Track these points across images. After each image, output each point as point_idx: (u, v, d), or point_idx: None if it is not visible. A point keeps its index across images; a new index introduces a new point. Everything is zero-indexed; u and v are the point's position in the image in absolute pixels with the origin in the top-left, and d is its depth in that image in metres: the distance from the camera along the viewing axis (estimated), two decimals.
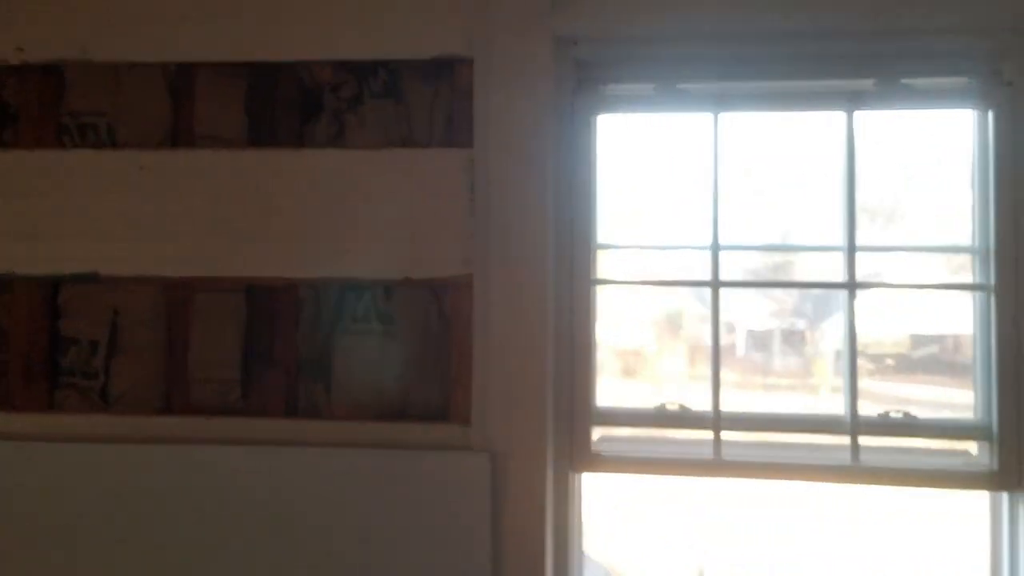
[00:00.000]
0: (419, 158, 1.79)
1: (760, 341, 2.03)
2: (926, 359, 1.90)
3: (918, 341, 1.91)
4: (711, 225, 1.78)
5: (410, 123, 1.80)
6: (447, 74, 1.80)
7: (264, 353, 1.81)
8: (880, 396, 1.81)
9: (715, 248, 1.77)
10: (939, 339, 1.91)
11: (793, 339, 2.06)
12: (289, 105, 1.83)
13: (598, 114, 1.80)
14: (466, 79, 1.79)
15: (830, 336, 1.96)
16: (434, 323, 1.78)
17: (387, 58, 1.81)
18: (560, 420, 1.76)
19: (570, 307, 1.78)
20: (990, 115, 1.72)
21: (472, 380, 1.74)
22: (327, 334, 1.80)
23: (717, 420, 1.75)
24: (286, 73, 1.84)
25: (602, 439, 1.80)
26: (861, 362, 1.75)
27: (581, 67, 1.80)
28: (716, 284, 1.77)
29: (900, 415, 1.74)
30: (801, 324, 1.99)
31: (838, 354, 1.81)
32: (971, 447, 1.75)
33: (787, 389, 1.97)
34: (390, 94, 1.81)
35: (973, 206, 1.76)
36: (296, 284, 1.81)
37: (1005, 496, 1.71)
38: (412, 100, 1.81)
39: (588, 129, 1.80)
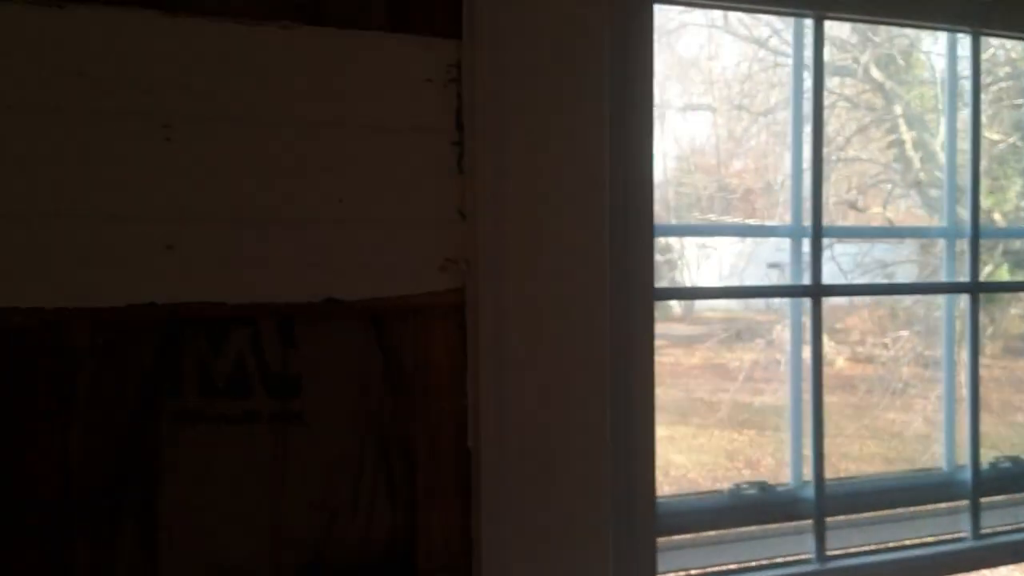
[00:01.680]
0: (342, 49, 0.86)
1: None
2: None
3: None
4: (807, 200, 1.13)
5: None
6: None
7: None
8: None
9: (815, 234, 1.12)
10: None
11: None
12: None
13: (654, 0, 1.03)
14: None
15: None
16: (379, 388, 0.89)
17: None
18: (618, 545, 1.00)
19: (626, 342, 1.00)
20: None
21: (477, 496, 0.90)
22: (143, 425, 0.82)
23: (820, 505, 1.13)
24: None
25: (663, 550, 1.07)
26: None
27: None
28: (817, 291, 1.13)
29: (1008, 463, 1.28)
30: None
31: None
32: None
33: None
34: None
35: None
36: (65, 320, 0.79)
37: None
38: None
39: (642, 25, 1.01)
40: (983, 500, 1.23)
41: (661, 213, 1.04)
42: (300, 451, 0.86)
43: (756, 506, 1.12)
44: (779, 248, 1.18)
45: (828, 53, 1.14)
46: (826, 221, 1.15)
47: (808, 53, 1.14)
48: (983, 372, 1.23)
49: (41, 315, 0.76)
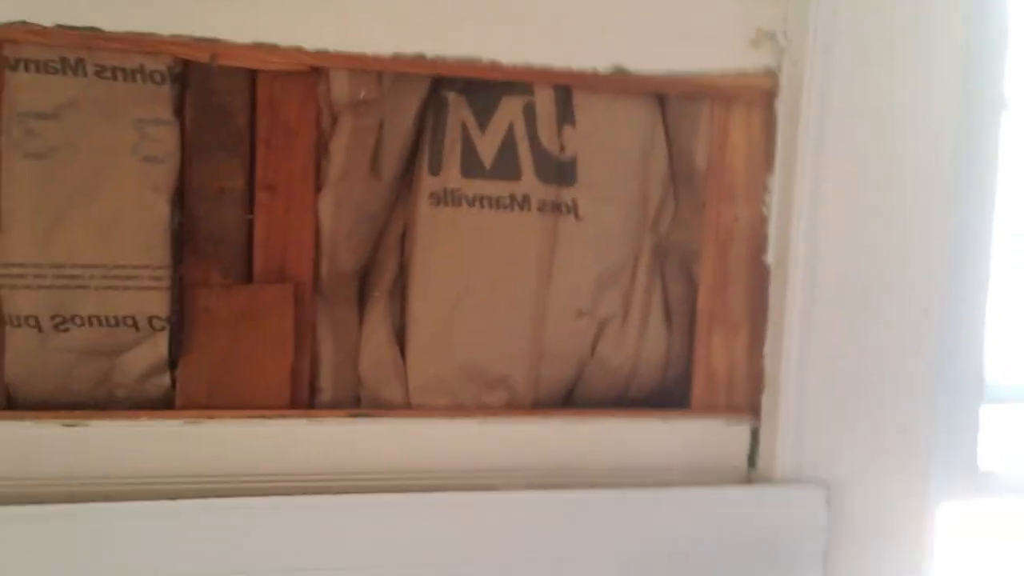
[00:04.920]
0: None
1: None
2: None
3: None
4: None
5: None
6: None
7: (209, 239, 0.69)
8: None
9: None
10: None
11: None
12: None
13: None
14: None
15: None
16: (661, 186, 0.74)
17: None
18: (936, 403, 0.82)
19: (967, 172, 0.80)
20: None
21: (776, 325, 0.74)
22: (397, 203, 0.71)
23: None
24: None
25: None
26: None
27: None
28: None
29: None
30: None
31: None
32: None
33: None
34: None
35: None
36: (324, 67, 0.68)
37: None
38: None
39: None
40: None
41: None
42: (570, 251, 0.73)
43: None
44: None
45: None
46: None
47: None
48: None
49: (299, 57, 0.65)
